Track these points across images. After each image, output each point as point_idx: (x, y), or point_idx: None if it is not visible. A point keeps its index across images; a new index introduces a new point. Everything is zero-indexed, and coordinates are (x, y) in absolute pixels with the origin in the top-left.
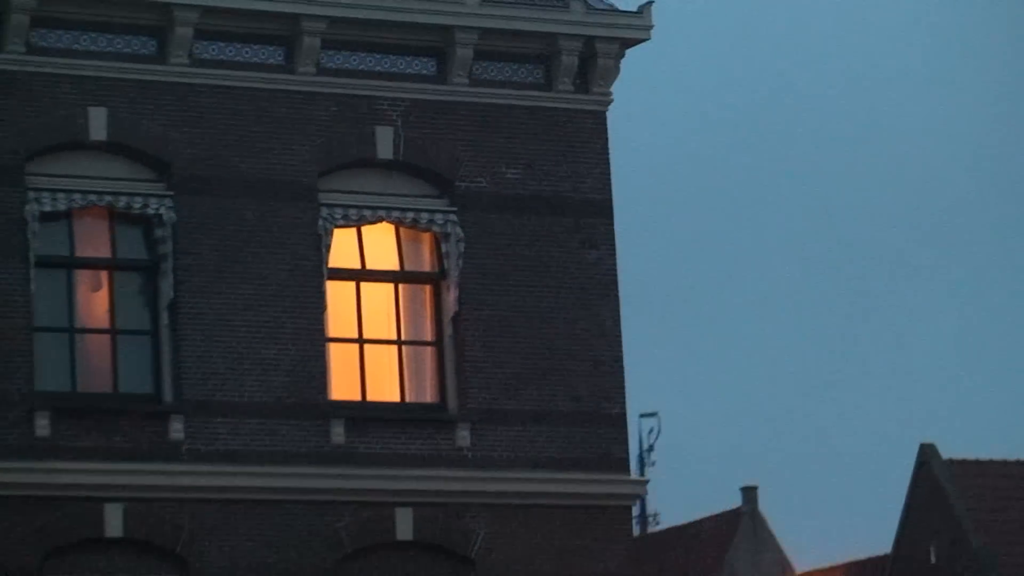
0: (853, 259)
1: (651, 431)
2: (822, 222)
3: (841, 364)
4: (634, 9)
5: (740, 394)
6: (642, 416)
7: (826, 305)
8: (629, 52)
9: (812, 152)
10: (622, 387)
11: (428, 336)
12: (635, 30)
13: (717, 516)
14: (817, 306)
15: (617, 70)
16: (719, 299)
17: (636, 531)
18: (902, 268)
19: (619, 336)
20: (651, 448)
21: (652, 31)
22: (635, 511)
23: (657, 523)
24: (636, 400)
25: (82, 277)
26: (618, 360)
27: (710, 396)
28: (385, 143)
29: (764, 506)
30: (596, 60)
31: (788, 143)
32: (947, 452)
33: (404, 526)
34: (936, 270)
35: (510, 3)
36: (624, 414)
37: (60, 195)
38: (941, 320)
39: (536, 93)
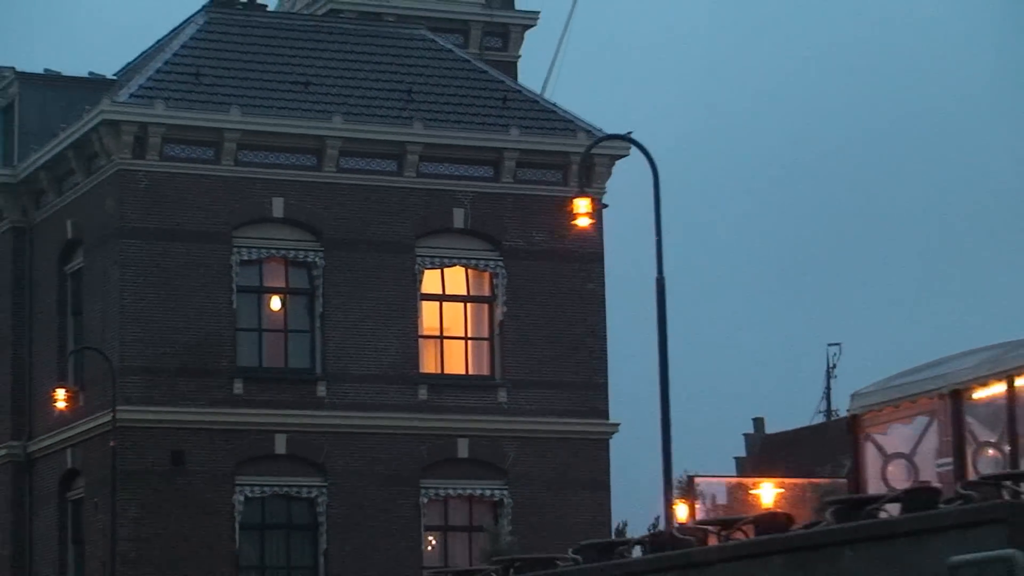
0: None
1: (835, 355)
2: None
3: None
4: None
5: None
6: (829, 345)
7: None
8: (617, 163)
9: None
10: (606, 368)
11: (484, 334)
12: (620, 148)
13: None
14: None
15: (609, 173)
16: None
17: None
18: None
19: (605, 336)
20: (834, 366)
21: (631, 149)
22: (821, 406)
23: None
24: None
25: (266, 299)
26: (603, 351)
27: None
28: (459, 218)
29: None
30: (594, 167)
31: None
32: None
33: (463, 449)
34: None
35: (539, 131)
36: (606, 383)
37: (254, 250)
38: None
39: (555, 187)
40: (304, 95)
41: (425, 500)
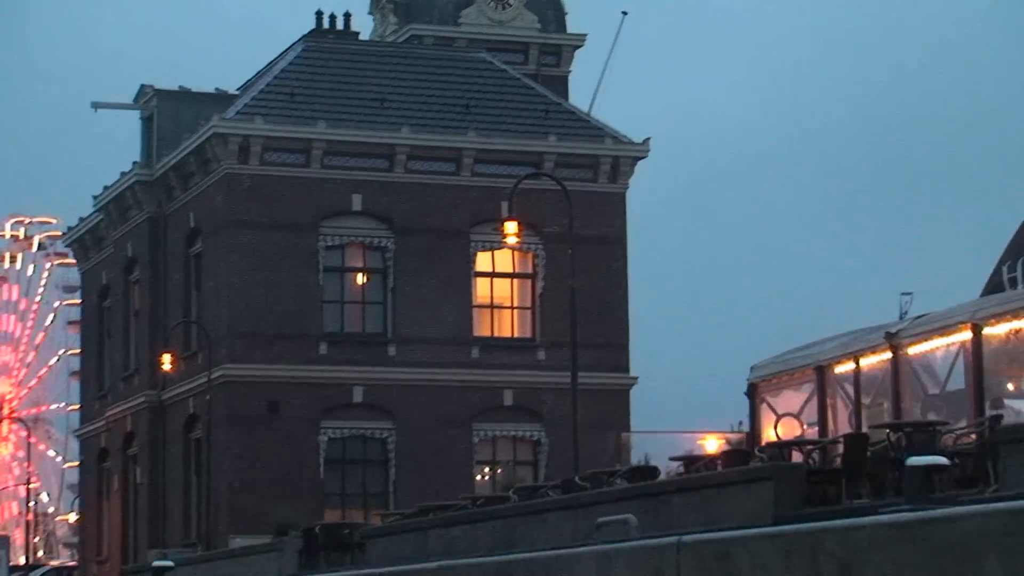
0: None
1: (907, 303)
2: None
3: None
4: (640, 140)
5: None
6: (902, 294)
7: None
8: (639, 163)
9: None
10: (627, 331)
11: (527, 304)
12: (641, 151)
13: None
14: None
15: (632, 172)
16: None
17: None
18: None
19: (627, 305)
20: (905, 313)
21: (650, 153)
22: None
23: None
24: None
25: (346, 277)
26: (625, 318)
27: None
28: (505, 209)
29: None
30: (619, 166)
31: None
32: None
33: (508, 398)
34: None
35: (573, 137)
36: (627, 344)
37: (336, 237)
38: None
39: (587, 183)
40: (379, 110)
41: (476, 440)
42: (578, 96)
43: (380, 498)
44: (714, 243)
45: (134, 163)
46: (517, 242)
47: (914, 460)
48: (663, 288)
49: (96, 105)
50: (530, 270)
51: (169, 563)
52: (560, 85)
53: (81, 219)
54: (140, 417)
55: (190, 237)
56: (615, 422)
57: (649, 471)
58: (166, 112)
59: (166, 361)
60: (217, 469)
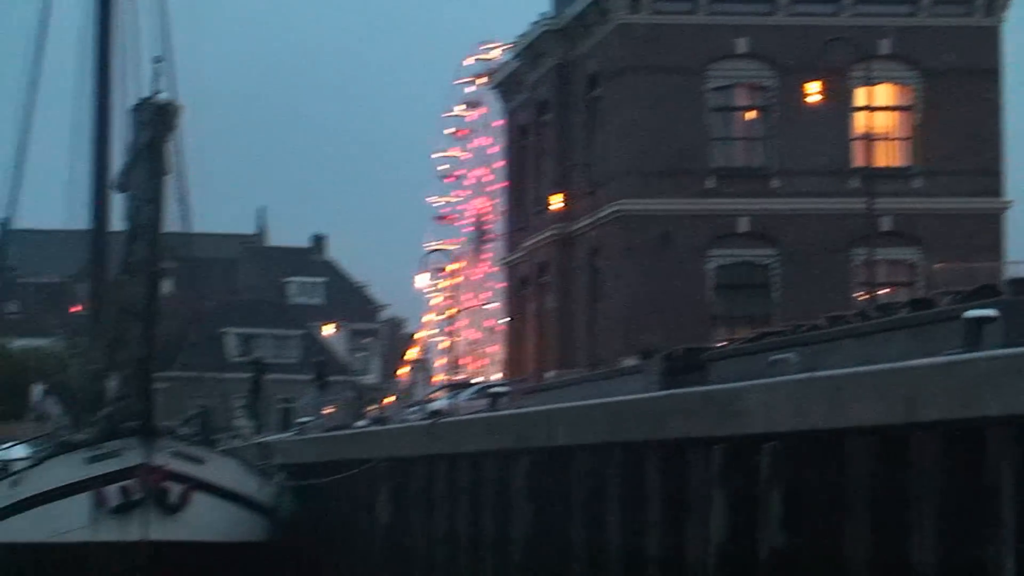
0: None
1: None
2: None
3: None
4: None
5: None
6: None
7: None
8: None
9: None
10: (999, 157)
11: (903, 135)
12: None
13: None
14: None
15: (1007, 5)
16: None
17: None
18: None
19: (999, 133)
20: None
21: None
22: None
23: None
24: None
25: (732, 116)
26: (998, 145)
27: None
28: (884, 46)
29: None
30: (995, 0)
31: None
32: None
33: (886, 224)
34: None
35: None
36: (999, 170)
37: (722, 79)
38: None
39: (962, 17)
40: None
41: (854, 264)
42: None
43: (762, 320)
44: None
45: (541, 14)
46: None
47: None
48: None
49: None
50: (907, 103)
51: None
52: None
53: (500, 64)
54: (551, 248)
55: (591, 82)
56: (987, 245)
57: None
58: None
59: (557, 200)
60: (613, 296)
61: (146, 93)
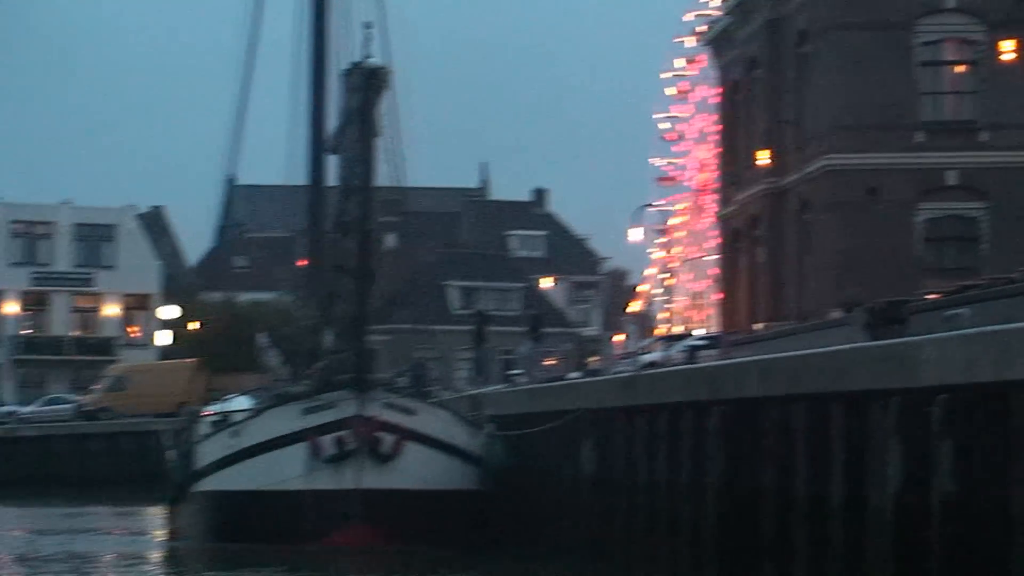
0: None
1: None
2: None
3: None
4: None
5: None
6: None
7: None
8: None
9: None
10: None
11: None
12: None
13: None
14: None
15: None
16: None
17: None
18: None
19: None
20: None
21: None
22: None
23: None
24: None
25: (940, 70)
26: None
27: None
28: None
29: None
30: None
31: None
32: None
33: None
34: None
35: None
36: None
37: (930, 33)
38: None
39: None
40: None
41: None
42: None
43: (972, 274)
44: None
45: None
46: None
47: None
48: None
49: None
50: None
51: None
52: None
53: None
54: (762, 203)
55: (800, 39)
56: None
57: None
58: None
59: (764, 156)
60: (821, 249)
61: (357, 58)
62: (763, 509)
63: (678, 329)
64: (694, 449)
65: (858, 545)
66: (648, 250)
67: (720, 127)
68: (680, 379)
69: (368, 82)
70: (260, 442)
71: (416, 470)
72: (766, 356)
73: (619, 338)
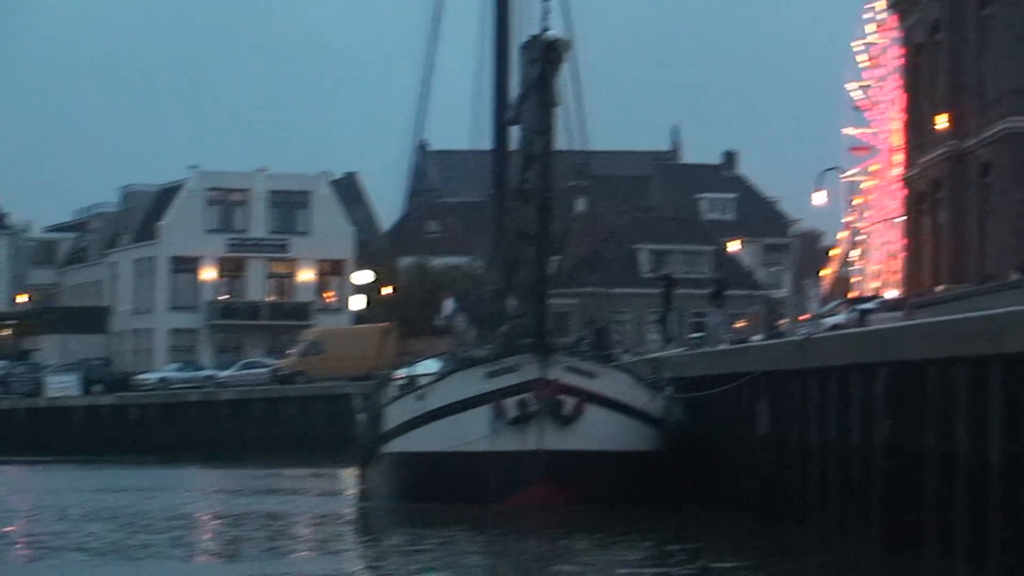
0: None
1: None
2: None
3: None
4: None
5: None
6: None
7: None
8: None
9: None
10: None
11: None
12: None
13: None
14: None
15: None
16: None
17: None
18: None
19: None
20: None
21: None
22: None
23: None
24: None
25: None
26: None
27: None
28: None
29: None
30: None
31: None
32: None
33: None
34: None
35: None
36: None
37: None
38: None
39: None
40: None
41: None
42: None
43: None
44: None
45: None
46: None
47: None
48: None
49: None
50: None
51: None
52: None
53: None
54: (944, 166)
55: (982, 2)
56: None
57: None
58: None
59: (943, 120)
60: (1002, 213)
61: (535, 31)
62: (926, 471)
63: (868, 291)
64: (863, 412)
65: (1017, 503)
66: (840, 213)
67: (904, 90)
68: (848, 342)
69: (545, 55)
70: (445, 405)
71: (597, 431)
72: (929, 320)
73: (809, 300)
